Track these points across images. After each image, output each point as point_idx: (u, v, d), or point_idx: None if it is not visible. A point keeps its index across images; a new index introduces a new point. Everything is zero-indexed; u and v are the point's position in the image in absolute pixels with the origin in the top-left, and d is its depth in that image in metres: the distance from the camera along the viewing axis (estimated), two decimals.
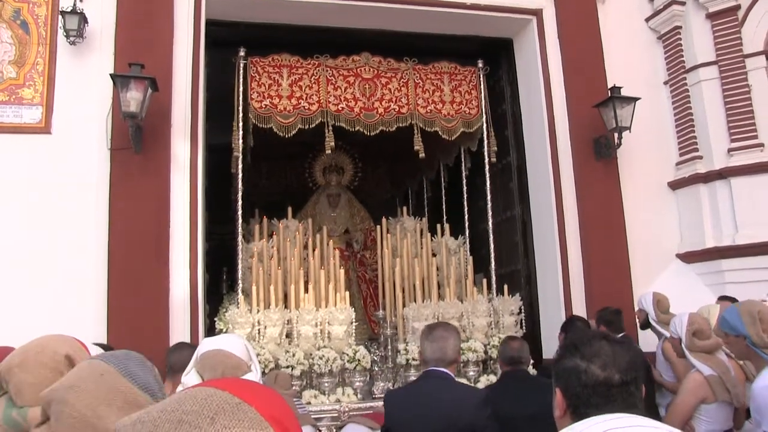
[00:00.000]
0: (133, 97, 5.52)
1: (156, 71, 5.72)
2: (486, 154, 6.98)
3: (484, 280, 6.78)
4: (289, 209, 7.60)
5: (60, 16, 5.85)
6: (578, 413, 1.66)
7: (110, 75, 5.64)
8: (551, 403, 3.96)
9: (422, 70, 6.96)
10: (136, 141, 5.69)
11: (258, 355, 5.58)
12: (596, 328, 5.38)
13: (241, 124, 6.40)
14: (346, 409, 5.67)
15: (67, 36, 5.81)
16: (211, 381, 1.02)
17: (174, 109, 5.99)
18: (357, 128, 6.71)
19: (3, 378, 1.90)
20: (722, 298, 5.55)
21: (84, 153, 5.78)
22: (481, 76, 7.07)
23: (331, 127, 6.53)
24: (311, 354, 5.92)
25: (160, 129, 5.88)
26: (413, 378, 5.84)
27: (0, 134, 5.72)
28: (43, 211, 5.64)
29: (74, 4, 5.78)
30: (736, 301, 5.28)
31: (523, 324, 6.60)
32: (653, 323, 5.50)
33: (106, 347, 3.67)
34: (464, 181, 7.59)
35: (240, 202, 6.40)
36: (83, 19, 5.82)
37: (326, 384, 5.90)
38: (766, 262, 6.26)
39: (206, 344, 2.86)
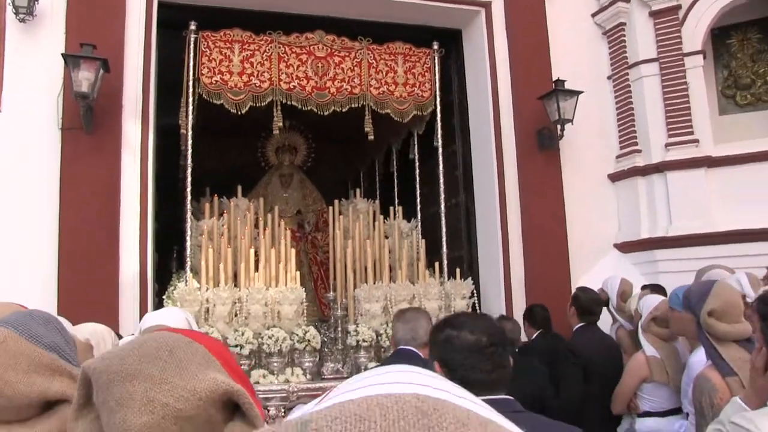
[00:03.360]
0: (85, 78, 5.55)
1: (108, 52, 5.76)
2: (438, 137, 6.99)
3: (436, 264, 6.83)
4: (239, 188, 7.58)
5: None
6: (457, 376, 1.89)
7: (62, 55, 5.66)
8: (538, 384, 4.20)
9: (376, 50, 6.87)
10: (87, 121, 5.74)
11: (206, 333, 5.73)
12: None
13: (190, 99, 6.32)
14: (295, 389, 5.66)
15: (17, 13, 5.78)
16: (164, 328, 1.23)
17: (125, 90, 6.03)
18: (309, 107, 6.64)
19: None
20: (645, 287, 5.80)
21: (35, 132, 5.81)
22: (436, 58, 7.01)
23: (280, 106, 6.45)
24: (260, 333, 5.93)
25: (112, 110, 5.93)
26: (363, 360, 6.01)
27: None
28: None
29: None
30: (660, 289, 5.58)
31: (476, 307, 6.69)
32: (612, 309, 5.72)
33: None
34: (416, 165, 7.63)
35: (189, 179, 6.33)
36: None
37: (275, 364, 5.90)
38: (697, 252, 6.51)
39: (149, 319, 2.95)
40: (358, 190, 8.54)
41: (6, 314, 1.81)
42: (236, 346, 5.75)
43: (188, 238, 6.35)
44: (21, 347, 1.53)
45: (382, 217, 7.53)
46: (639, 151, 7.12)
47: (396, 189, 8.47)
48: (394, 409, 0.50)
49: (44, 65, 5.88)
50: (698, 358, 3.52)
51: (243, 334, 5.83)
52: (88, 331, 3.26)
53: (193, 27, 6.32)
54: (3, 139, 5.76)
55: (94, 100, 5.68)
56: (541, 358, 4.74)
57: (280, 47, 6.58)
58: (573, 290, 6.30)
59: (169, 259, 7.35)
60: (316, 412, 0.52)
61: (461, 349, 1.95)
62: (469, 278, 6.76)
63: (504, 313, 6.67)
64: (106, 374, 1.09)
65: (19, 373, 1.50)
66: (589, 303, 5.16)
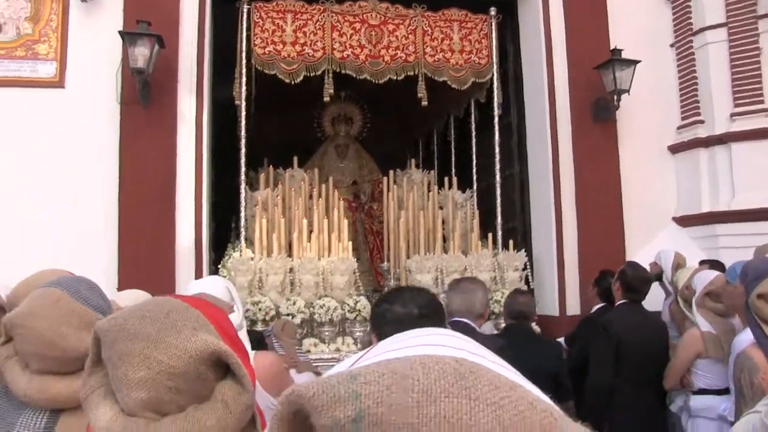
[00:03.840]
0: (141, 54, 5.76)
1: (163, 28, 5.94)
2: (495, 106, 6.90)
3: (489, 235, 6.82)
4: (295, 159, 7.66)
5: None
6: None
7: (119, 32, 5.89)
8: (553, 360, 4.20)
9: (431, 17, 6.76)
10: (144, 95, 5.96)
11: (259, 302, 5.88)
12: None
13: (244, 71, 6.40)
14: (346, 358, 5.80)
15: None
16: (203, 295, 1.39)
17: (181, 65, 6.22)
18: (363, 76, 6.62)
19: (12, 303, 2.11)
20: (703, 262, 5.65)
21: (95, 106, 6.07)
22: (493, 24, 6.87)
23: (332, 75, 6.43)
24: (312, 303, 6.02)
25: (168, 84, 6.14)
26: None
27: (18, 88, 6.03)
28: (57, 161, 5.99)
29: None
30: (720, 265, 5.42)
31: (528, 279, 6.69)
32: (665, 282, 5.64)
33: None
34: (473, 134, 7.59)
35: (243, 150, 6.45)
36: None
37: (326, 333, 6.02)
38: (760, 228, 6.27)
39: (192, 288, 3.09)
40: (413, 161, 8.52)
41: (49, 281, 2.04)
42: (288, 314, 5.87)
43: (243, 208, 6.50)
44: (73, 306, 1.75)
45: (436, 187, 7.53)
46: (701, 121, 6.84)
47: (453, 159, 8.41)
48: (435, 369, 0.56)
49: (104, 43, 6.11)
50: (745, 337, 3.42)
51: (295, 303, 5.95)
52: (130, 298, 3.47)
53: None
54: (66, 114, 6.06)
55: (150, 75, 5.88)
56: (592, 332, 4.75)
57: (332, 16, 6.55)
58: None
59: (227, 228, 7.55)
60: (364, 368, 0.58)
61: (391, 321, 2.01)
62: (523, 250, 6.73)
63: (557, 285, 6.66)
64: (111, 333, 1.22)
65: (72, 329, 1.72)
66: (636, 280, 4.81)
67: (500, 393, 0.55)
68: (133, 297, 3.43)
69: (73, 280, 1.85)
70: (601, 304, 5.42)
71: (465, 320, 3.53)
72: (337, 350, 5.94)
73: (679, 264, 5.58)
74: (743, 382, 3.15)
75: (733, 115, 6.64)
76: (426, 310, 2.04)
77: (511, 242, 6.68)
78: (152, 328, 1.19)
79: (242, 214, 6.51)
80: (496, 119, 6.93)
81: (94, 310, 1.77)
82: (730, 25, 6.72)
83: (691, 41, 6.98)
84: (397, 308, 2.04)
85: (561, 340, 5.75)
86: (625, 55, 6.56)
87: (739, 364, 3.22)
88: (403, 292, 2.16)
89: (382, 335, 2.03)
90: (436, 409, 0.53)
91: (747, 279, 3.27)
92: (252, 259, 6.16)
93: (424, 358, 0.58)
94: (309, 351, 5.82)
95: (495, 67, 6.84)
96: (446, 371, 0.56)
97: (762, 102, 6.57)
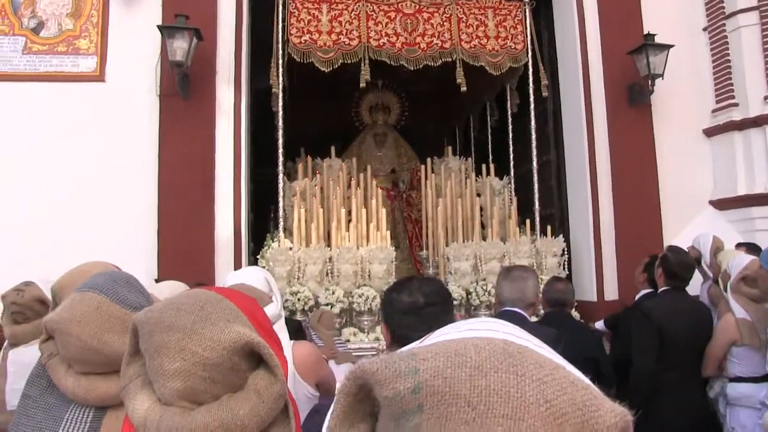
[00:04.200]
0: (180, 47, 5.85)
1: (201, 21, 6.02)
2: (531, 92, 6.94)
3: (527, 221, 6.83)
4: (332, 148, 7.71)
5: None
6: (397, 336, 2.05)
7: (157, 26, 5.97)
8: (594, 347, 4.14)
9: (465, 5, 6.82)
10: (183, 88, 6.04)
11: (298, 292, 5.90)
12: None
13: (281, 61, 6.45)
14: (384, 348, 5.73)
15: None
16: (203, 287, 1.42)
17: (219, 57, 6.31)
18: (399, 63, 6.65)
19: (57, 295, 2.17)
20: (740, 245, 5.63)
21: (135, 99, 6.17)
22: (527, 10, 6.94)
23: (368, 61, 6.45)
24: (351, 292, 6.05)
25: (206, 76, 6.22)
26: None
27: (60, 83, 6.14)
28: (99, 154, 6.08)
29: None
30: (756, 248, 5.39)
31: (566, 266, 6.69)
32: (704, 266, 5.59)
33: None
34: (510, 120, 7.59)
35: (281, 140, 6.50)
36: None
37: (365, 322, 6.05)
38: None
39: (230, 279, 3.07)
40: (450, 148, 8.52)
41: (93, 273, 2.02)
42: (327, 304, 5.89)
43: (281, 198, 6.55)
44: (113, 311, 1.73)
45: (473, 174, 7.54)
46: (736, 104, 6.85)
47: (490, 146, 8.44)
48: (486, 349, 0.63)
49: (143, 37, 6.21)
50: None
51: (333, 293, 5.98)
52: (168, 290, 3.50)
53: None
54: (107, 107, 6.15)
55: (189, 68, 5.96)
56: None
57: (367, 5, 6.62)
58: (665, 248, 6.21)
59: (265, 219, 7.58)
60: (422, 347, 0.66)
61: (398, 310, 2.07)
62: (560, 236, 6.73)
63: (595, 270, 6.66)
64: (148, 325, 1.26)
65: (114, 334, 1.70)
66: (679, 266, 4.54)
67: (544, 371, 0.61)
68: (171, 288, 3.47)
69: (111, 280, 1.83)
70: (648, 290, 5.26)
71: (515, 309, 3.48)
72: (377, 339, 5.91)
73: (718, 248, 5.49)
74: None
75: (766, 97, 6.64)
76: (432, 299, 2.07)
77: (549, 228, 6.69)
78: (187, 320, 1.23)
79: (280, 204, 6.55)
80: (532, 106, 6.98)
81: (133, 310, 1.72)
82: (761, 9, 6.74)
83: (724, 25, 6.99)
84: (403, 297, 2.08)
85: (600, 323, 5.76)
86: (658, 39, 6.57)
87: None
88: (411, 282, 2.20)
89: (389, 323, 2.13)
90: (486, 383, 0.60)
91: None
92: (291, 249, 6.18)
93: (476, 339, 0.66)
94: (348, 340, 5.83)
95: (530, 53, 6.88)
96: (496, 351, 0.63)
97: None
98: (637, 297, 5.37)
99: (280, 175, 6.58)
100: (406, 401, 0.62)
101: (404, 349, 0.69)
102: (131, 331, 1.31)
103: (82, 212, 5.95)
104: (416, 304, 2.05)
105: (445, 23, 6.72)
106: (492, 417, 0.58)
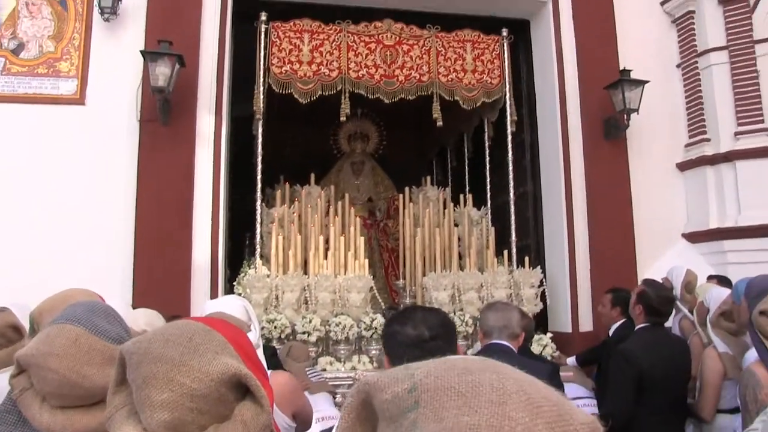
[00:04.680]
0: (162, 73, 5.83)
1: (184, 47, 6.03)
2: (508, 124, 7.00)
3: (505, 252, 6.82)
4: (312, 176, 7.70)
5: None
6: None
7: (140, 52, 5.96)
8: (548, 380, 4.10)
9: (445, 37, 6.88)
10: (164, 113, 6.02)
11: (274, 320, 5.82)
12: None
13: (261, 89, 6.47)
14: (362, 377, 5.60)
15: (102, 13, 6.13)
16: (190, 317, 1.42)
17: (200, 83, 6.30)
18: (377, 95, 6.69)
19: (36, 321, 2.14)
20: (711, 277, 5.72)
21: (115, 123, 6.12)
22: (505, 44, 7.02)
23: (348, 95, 6.49)
24: (328, 321, 6.00)
25: (187, 102, 6.21)
26: None
27: (40, 105, 6.08)
28: (77, 177, 6.02)
29: None
30: (726, 280, 5.48)
31: (545, 296, 6.67)
32: (676, 299, 5.60)
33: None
34: (487, 152, 7.63)
35: (259, 167, 6.50)
36: None
37: (342, 351, 6.00)
38: (766, 244, 6.43)
39: (209, 307, 3.07)
40: (429, 178, 8.56)
41: (72, 301, 1.97)
42: (304, 332, 5.84)
43: (258, 225, 6.53)
44: (92, 343, 1.69)
45: (452, 204, 7.57)
46: (708, 140, 7.02)
47: (467, 176, 8.49)
48: (471, 359, 0.75)
49: (125, 61, 6.19)
50: (753, 354, 3.40)
51: (311, 321, 5.91)
52: (144, 317, 3.47)
53: (263, 18, 6.50)
54: (87, 130, 6.10)
55: (170, 94, 5.94)
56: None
57: (349, 36, 6.66)
58: (640, 280, 6.28)
59: (243, 245, 7.55)
60: (417, 363, 0.75)
61: (403, 343, 2.03)
62: (538, 267, 6.77)
63: (570, 301, 6.72)
64: (136, 356, 1.26)
65: (95, 367, 1.67)
66: (660, 301, 4.32)
67: (522, 374, 0.73)
68: (146, 316, 3.44)
69: (88, 311, 1.77)
70: (622, 320, 5.22)
71: (503, 342, 3.46)
72: (353, 369, 5.89)
73: (690, 281, 5.55)
74: (748, 398, 3.13)
75: (737, 133, 6.82)
76: (437, 331, 2.04)
77: (526, 259, 6.73)
78: (175, 351, 1.23)
79: (258, 230, 6.53)
80: (510, 137, 7.05)
81: (113, 342, 1.71)
82: (730, 48, 6.94)
83: (697, 62, 7.18)
84: (408, 330, 2.04)
85: (572, 359, 5.79)
86: (634, 75, 6.73)
87: (744, 381, 3.20)
88: (415, 313, 2.15)
89: (392, 357, 2.09)
90: (473, 378, 0.69)
91: (750, 296, 3.31)
92: (268, 276, 6.13)
93: (463, 356, 0.83)
94: (325, 369, 5.79)
95: (508, 86, 6.98)
96: (479, 360, 0.75)
97: (762, 122, 6.76)
98: (612, 329, 5.33)
99: (259, 202, 6.57)
100: (404, 400, 0.70)
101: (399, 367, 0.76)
102: (118, 360, 1.31)
103: (58, 236, 5.87)
104: (421, 338, 2.01)
105: (424, 56, 6.79)
106: (479, 401, 0.66)
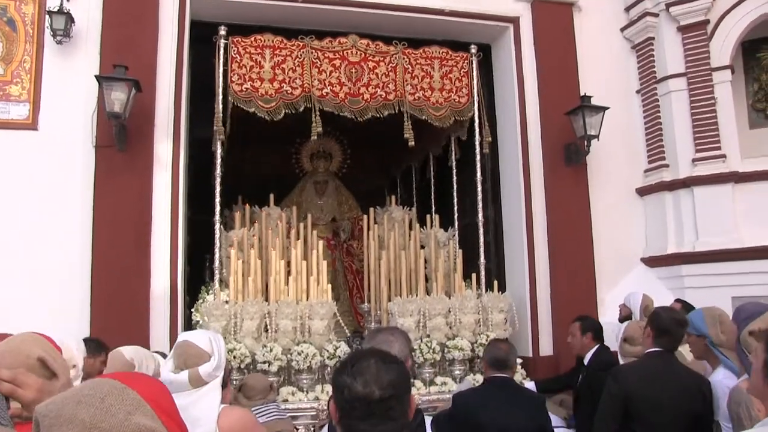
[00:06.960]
0: (117, 98, 5.68)
1: (140, 71, 5.88)
2: (477, 143, 6.83)
3: (473, 275, 6.71)
4: (271, 196, 7.45)
5: (47, 16, 5.95)
6: (345, 423, 1.96)
7: (95, 76, 5.80)
8: (536, 416, 4.08)
9: (412, 54, 6.70)
10: (120, 139, 5.87)
11: (234, 350, 5.62)
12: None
13: (220, 107, 6.24)
14: (325, 407, 5.39)
15: (54, 35, 5.95)
16: (107, 374, 1.42)
17: (157, 108, 6.15)
18: (342, 113, 6.52)
19: None
20: (677, 301, 5.78)
21: (70, 149, 5.96)
22: (474, 62, 6.86)
23: (318, 112, 6.29)
24: (290, 349, 5.82)
25: (144, 127, 6.06)
26: None
27: None
28: (30, 205, 5.83)
29: (61, 4, 5.91)
30: (688, 305, 5.55)
31: (514, 322, 6.54)
32: None
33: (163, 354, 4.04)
34: (454, 172, 7.53)
35: (218, 189, 6.27)
36: (70, 19, 5.95)
37: (305, 381, 5.81)
38: (723, 268, 6.54)
39: (180, 336, 3.09)
40: (394, 198, 8.42)
41: (37, 349, 1.96)
42: (264, 362, 5.69)
43: (217, 249, 6.34)
44: None
45: (418, 225, 7.42)
46: (666, 165, 7.13)
47: (433, 197, 8.30)
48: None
49: (80, 85, 6.01)
50: (720, 377, 3.71)
51: (271, 350, 5.75)
52: (132, 350, 3.43)
53: (223, 32, 6.25)
54: (39, 156, 5.91)
55: (126, 119, 5.79)
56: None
57: (312, 52, 6.44)
58: (599, 304, 6.37)
59: (201, 269, 7.36)
60: None
61: (350, 399, 1.94)
62: (507, 291, 6.72)
63: (530, 325, 6.74)
64: (48, 419, 1.24)
65: None
66: (671, 322, 4.01)
67: None
68: (141, 355, 3.43)
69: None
70: (596, 346, 5.26)
71: (505, 375, 3.75)
72: (316, 399, 5.72)
73: (647, 305, 5.67)
74: (742, 414, 3.26)
75: (694, 160, 6.91)
76: (388, 393, 1.93)
77: (495, 283, 6.62)
78: (87, 413, 1.22)
79: (217, 255, 6.34)
80: (478, 158, 6.86)
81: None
82: (688, 75, 7.04)
83: (656, 88, 7.29)
84: (357, 387, 1.93)
85: (531, 384, 5.79)
86: (594, 101, 6.78)
87: (735, 398, 3.35)
88: (369, 368, 1.99)
89: (340, 408, 1.98)
90: None
91: (739, 318, 3.48)
92: (227, 302, 5.94)
93: None
94: (286, 400, 5.63)
95: (476, 105, 6.80)
96: None
97: (719, 148, 6.88)
98: (587, 357, 5.26)
99: (217, 225, 6.35)
100: None
101: None
102: (34, 422, 1.29)
103: (12, 265, 5.68)
104: (370, 397, 1.92)
105: (390, 73, 6.60)
106: None
